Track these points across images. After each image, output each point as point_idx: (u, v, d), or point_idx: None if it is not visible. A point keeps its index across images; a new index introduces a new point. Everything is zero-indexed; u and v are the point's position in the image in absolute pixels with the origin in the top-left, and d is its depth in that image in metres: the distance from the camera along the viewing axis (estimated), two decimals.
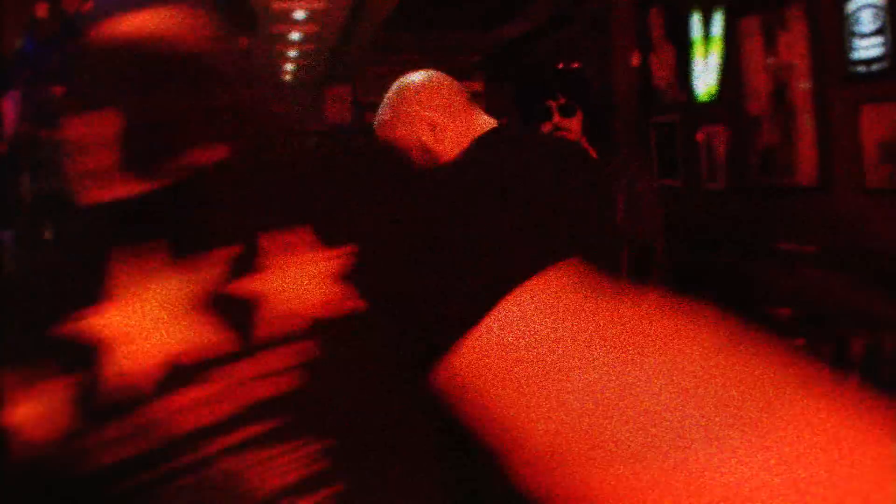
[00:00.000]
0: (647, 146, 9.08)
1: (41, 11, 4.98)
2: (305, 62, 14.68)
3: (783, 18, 7.13)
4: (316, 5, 10.01)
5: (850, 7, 6.30)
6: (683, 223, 6.95)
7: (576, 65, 9.13)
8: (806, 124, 6.98)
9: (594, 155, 3.96)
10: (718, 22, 8.09)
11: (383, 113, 2.76)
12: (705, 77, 8.30)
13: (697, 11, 8.36)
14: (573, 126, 3.87)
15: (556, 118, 3.87)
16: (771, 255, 6.86)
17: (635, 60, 9.50)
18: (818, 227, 6.86)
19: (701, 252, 7.56)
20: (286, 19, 10.81)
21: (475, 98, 2.77)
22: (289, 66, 15.20)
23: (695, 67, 8.44)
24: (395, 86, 2.79)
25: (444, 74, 2.81)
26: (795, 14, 6.99)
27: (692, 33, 8.45)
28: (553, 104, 3.85)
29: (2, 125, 5.04)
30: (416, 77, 2.75)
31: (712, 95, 8.25)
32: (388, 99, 2.77)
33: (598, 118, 4.04)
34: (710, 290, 3.45)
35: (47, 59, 5.18)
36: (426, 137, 2.55)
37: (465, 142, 2.55)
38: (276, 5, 9.89)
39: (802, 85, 6.99)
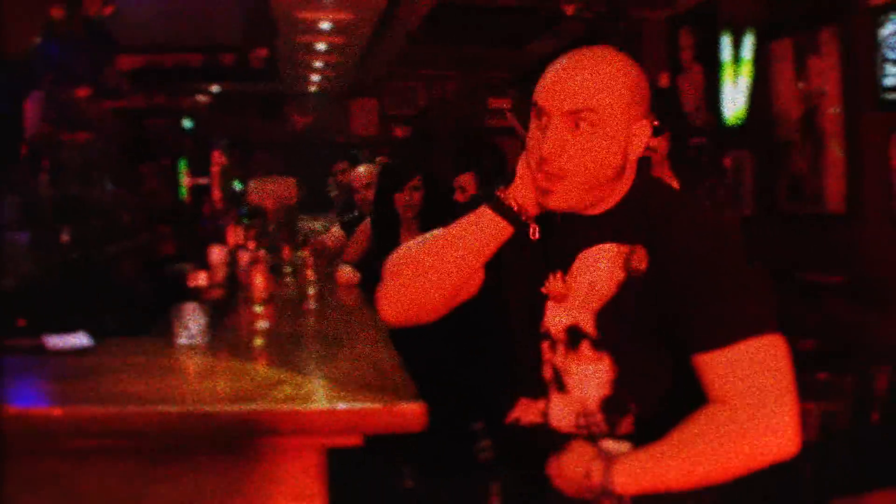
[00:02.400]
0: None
1: (57, 13, 4.88)
2: (331, 73, 14.62)
3: (815, 42, 6.99)
4: (342, 17, 9.94)
5: (883, 33, 6.15)
6: None
7: (665, 83, 9.08)
8: (835, 151, 6.85)
9: (676, 179, 3.78)
10: (749, 44, 7.95)
11: None
12: (734, 100, 8.16)
13: (728, 33, 8.22)
14: (661, 146, 3.68)
15: None
16: (796, 284, 6.71)
17: (664, 81, 9.38)
18: (845, 256, 6.71)
19: None
20: (312, 30, 10.74)
21: (502, 114, 2.68)
22: (314, 77, 15.13)
23: (724, 90, 8.29)
24: None
25: None
26: (827, 38, 6.85)
27: (722, 55, 8.31)
28: None
29: (23, 125, 4.92)
30: None
31: (741, 119, 8.10)
32: None
33: (683, 141, 3.80)
34: None
35: (73, 61, 5.05)
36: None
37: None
38: (301, 15, 9.81)
39: (833, 111, 6.86)
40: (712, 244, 2.20)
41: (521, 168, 2.25)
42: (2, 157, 5.82)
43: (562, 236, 2.30)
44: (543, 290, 2.30)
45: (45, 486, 2.76)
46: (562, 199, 2.18)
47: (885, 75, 6.20)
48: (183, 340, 3.70)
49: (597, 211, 2.27)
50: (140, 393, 2.93)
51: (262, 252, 5.62)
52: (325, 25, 10.57)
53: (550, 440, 2.24)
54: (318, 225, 9.95)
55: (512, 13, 9.59)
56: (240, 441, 2.75)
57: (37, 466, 2.75)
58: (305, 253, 6.00)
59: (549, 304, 2.29)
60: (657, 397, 2.23)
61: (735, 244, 2.25)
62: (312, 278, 5.52)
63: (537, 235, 2.30)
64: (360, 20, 10.23)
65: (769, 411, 1.97)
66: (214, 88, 15.19)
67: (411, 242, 2.42)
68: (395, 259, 2.40)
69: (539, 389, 2.31)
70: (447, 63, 13.68)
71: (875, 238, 6.44)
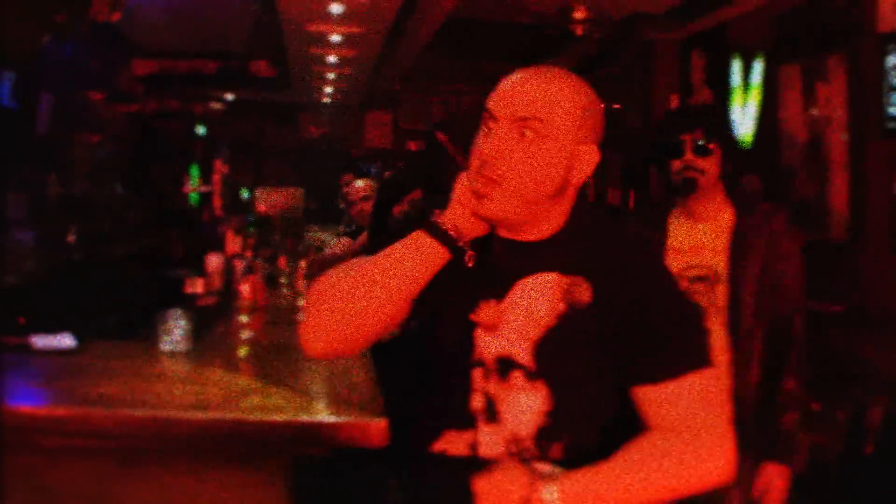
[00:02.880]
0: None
1: (61, 18, 4.88)
2: (344, 85, 14.64)
3: (823, 68, 6.99)
4: (351, 30, 9.95)
5: (890, 60, 6.14)
6: None
7: (707, 98, 9.06)
8: (840, 179, 6.83)
9: (736, 203, 3.57)
10: (758, 69, 7.95)
11: None
12: (742, 124, 8.16)
13: (738, 57, 8.23)
14: (709, 168, 3.32)
15: (689, 156, 3.34)
16: None
17: (674, 103, 9.38)
18: (847, 285, 6.69)
19: None
20: (322, 42, 10.75)
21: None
22: (327, 89, 15.15)
23: (732, 114, 8.29)
24: None
25: None
26: (835, 65, 6.85)
27: (732, 79, 8.31)
28: (688, 138, 3.35)
29: (33, 125, 4.92)
30: None
31: (748, 144, 8.10)
32: None
33: (739, 163, 3.57)
34: None
35: (86, 64, 5.06)
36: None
37: None
38: (310, 28, 9.82)
39: (839, 138, 6.85)
40: (656, 279, 2.24)
41: (458, 190, 2.18)
42: (11, 155, 5.84)
43: (497, 263, 2.22)
44: (474, 317, 2.20)
45: (17, 481, 2.76)
46: (497, 207, 2.11)
47: (891, 104, 6.18)
48: (165, 346, 3.70)
49: (535, 237, 2.22)
50: (112, 395, 2.94)
51: (258, 261, 5.63)
52: (335, 38, 10.58)
53: (478, 470, 2.11)
54: (325, 236, 9.94)
55: (523, 31, 9.61)
56: (204, 448, 2.75)
57: (10, 462, 2.75)
58: (302, 263, 5.99)
59: (479, 332, 2.20)
60: (590, 426, 2.21)
61: (672, 279, 2.32)
62: (304, 290, 5.50)
63: (472, 263, 2.20)
64: (370, 33, 10.24)
65: (708, 440, 2.08)
66: (228, 95, 15.23)
67: (337, 269, 2.26)
68: (320, 288, 2.24)
69: (467, 420, 2.21)
70: (461, 77, 13.70)
71: (877, 267, 6.42)
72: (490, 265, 2.22)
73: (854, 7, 6.64)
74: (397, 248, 2.19)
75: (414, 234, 2.18)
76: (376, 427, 2.58)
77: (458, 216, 2.16)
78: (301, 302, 5.02)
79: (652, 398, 2.11)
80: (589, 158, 2.16)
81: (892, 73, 6.16)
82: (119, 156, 8.84)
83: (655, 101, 9.58)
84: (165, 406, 2.86)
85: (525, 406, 2.16)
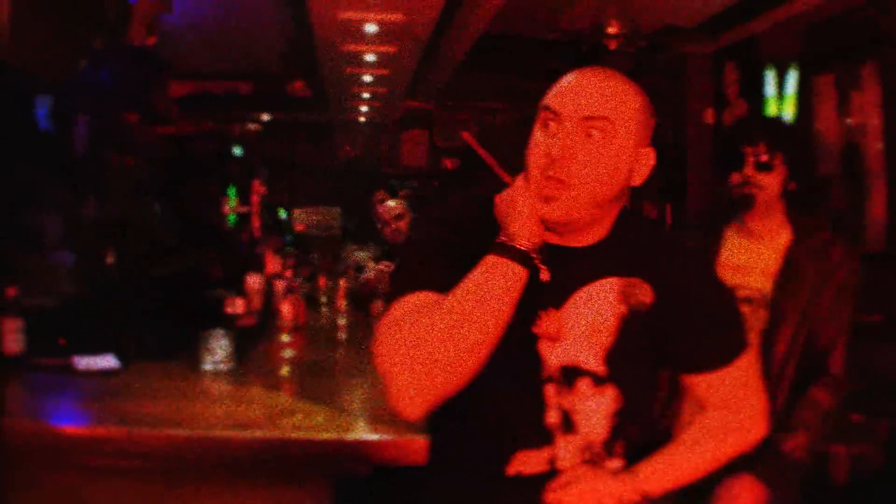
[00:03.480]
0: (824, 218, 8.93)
1: (98, 43, 4.94)
2: (379, 105, 14.67)
3: (857, 77, 6.97)
4: (386, 49, 9.97)
5: None
6: None
7: (710, 118, 9.01)
8: (876, 188, 6.80)
9: (796, 225, 3.38)
10: (792, 79, 7.93)
11: None
12: None
13: (772, 68, 8.21)
14: (770, 185, 3.17)
15: (750, 170, 3.18)
16: None
17: (709, 117, 9.36)
18: (885, 295, 6.65)
19: None
20: (357, 62, 10.78)
21: None
22: (363, 108, 15.19)
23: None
24: None
25: None
26: (869, 73, 6.82)
27: (767, 90, 8.29)
28: (750, 151, 3.19)
29: (72, 147, 4.98)
30: None
31: None
32: None
33: (805, 185, 3.34)
34: None
35: (122, 87, 5.12)
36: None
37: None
38: (344, 48, 9.85)
39: (875, 146, 6.82)
40: (707, 275, 2.36)
41: (518, 200, 2.07)
42: (49, 177, 5.90)
43: (554, 270, 2.15)
44: (535, 329, 2.14)
45: (61, 500, 2.80)
46: (565, 209, 2.05)
47: None
48: (208, 366, 3.75)
49: (587, 242, 2.19)
50: (156, 415, 2.97)
51: (297, 281, 5.66)
52: (369, 58, 10.60)
53: (545, 487, 2.18)
54: (363, 255, 9.96)
55: (556, 46, 9.60)
56: (247, 467, 2.77)
57: (54, 480, 2.80)
58: (341, 282, 6.01)
59: (543, 344, 2.15)
60: (648, 418, 2.38)
61: (715, 271, 2.51)
62: (344, 309, 5.53)
63: (548, 276, 2.13)
64: (405, 52, 10.26)
65: (750, 412, 2.34)
66: (264, 116, 15.29)
67: (415, 317, 2.02)
68: (404, 342, 2.00)
69: (544, 437, 2.17)
70: (496, 94, 13.70)
71: None
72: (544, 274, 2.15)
73: (885, 15, 6.62)
74: (477, 281, 2.02)
75: (488, 259, 2.03)
76: (418, 444, 2.59)
77: (530, 228, 2.05)
78: (342, 321, 5.05)
79: (705, 383, 2.29)
80: (647, 161, 2.15)
81: None
82: (156, 177, 8.89)
83: (690, 113, 9.55)
84: (208, 426, 2.89)
85: (596, 411, 2.19)
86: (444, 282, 2.04)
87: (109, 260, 6.40)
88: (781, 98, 8.10)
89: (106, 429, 2.86)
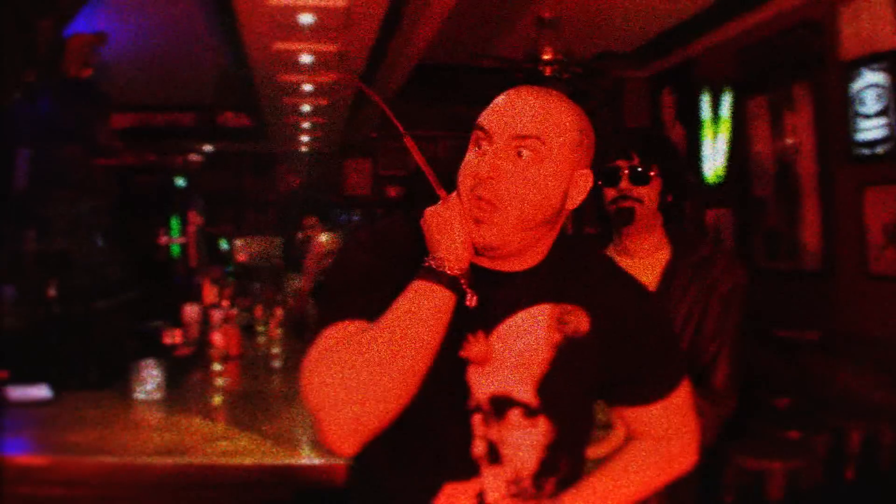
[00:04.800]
0: (702, 233, 9.01)
1: (30, 76, 4.91)
2: (320, 134, 14.67)
3: (789, 98, 7.07)
4: (323, 79, 9.99)
5: (854, 87, 6.22)
6: None
7: (679, 134, 9.05)
8: (811, 207, 6.88)
9: (674, 242, 3.28)
10: (727, 102, 8.03)
11: None
12: (714, 158, 8.24)
13: (707, 92, 8.31)
14: (647, 197, 3.08)
15: (624, 184, 3.09)
16: (773, 342, 6.71)
17: None
18: (821, 312, 6.74)
19: None
20: (295, 92, 10.80)
21: None
22: (304, 138, 15.18)
23: (704, 148, 8.37)
24: None
25: None
26: (801, 94, 6.92)
27: (702, 114, 8.39)
28: (624, 165, 3.10)
29: (12, 180, 4.94)
30: None
31: (721, 177, 8.16)
32: None
33: (682, 195, 3.22)
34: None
35: (62, 119, 5.08)
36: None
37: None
38: (282, 78, 9.87)
39: (808, 166, 6.91)
40: (647, 304, 2.19)
41: (443, 224, 1.98)
42: None
43: (485, 294, 2.02)
44: (463, 353, 2.01)
45: None
46: (495, 232, 1.95)
47: (857, 129, 6.25)
48: (140, 395, 3.75)
49: (522, 267, 2.07)
50: (85, 444, 2.96)
51: (234, 311, 5.65)
52: (307, 87, 10.63)
53: None
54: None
55: (493, 74, 9.65)
56: (174, 493, 2.77)
57: None
58: (278, 311, 6.01)
59: (471, 371, 2.02)
60: (581, 451, 2.19)
61: (656, 300, 2.41)
62: (279, 337, 5.51)
63: (475, 302, 2.00)
64: (342, 82, 10.30)
65: (683, 442, 2.26)
66: (206, 147, 15.27)
67: (342, 350, 1.91)
68: (330, 376, 1.89)
69: (469, 469, 2.04)
70: (436, 123, 13.74)
71: (851, 294, 6.46)
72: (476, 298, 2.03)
73: (817, 37, 6.72)
74: (405, 307, 1.92)
75: (415, 284, 1.94)
76: (339, 469, 2.61)
77: (459, 252, 1.97)
78: (276, 349, 5.03)
79: (640, 415, 2.20)
80: (585, 183, 2.06)
81: (857, 99, 6.23)
82: (98, 210, 8.85)
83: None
84: (137, 453, 2.89)
85: (526, 443, 2.06)
86: (372, 309, 1.93)
87: (51, 293, 6.37)
88: (717, 121, 8.19)
89: (35, 457, 2.86)
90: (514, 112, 1.98)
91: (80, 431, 3.16)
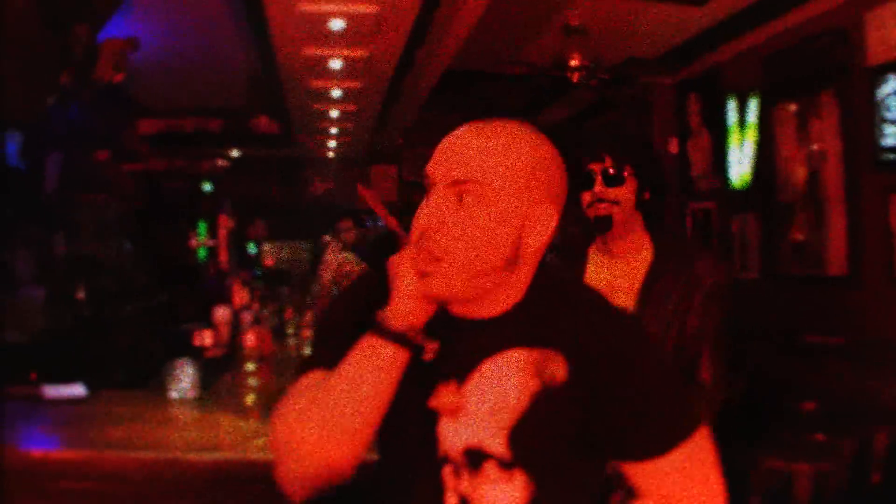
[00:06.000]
0: (683, 232, 9.04)
1: (65, 79, 5.02)
2: (347, 140, 14.72)
3: (816, 105, 7.07)
4: (352, 85, 10.04)
5: (881, 93, 6.23)
6: None
7: (674, 149, 9.03)
8: (837, 213, 6.89)
9: (657, 241, 3.18)
10: (753, 108, 8.03)
11: None
12: (740, 164, 8.24)
13: (733, 98, 8.31)
14: (623, 198, 3.06)
15: (598, 187, 3.07)
16: (799, 347, 6.72)
17: (673, 147, 9.46)
18: (846, 318, 6.74)
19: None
20: (323, 98, 10.84)
21: None
22: (331, 144, 15.25)
23: (730, 154, 8.38)
24: None
25: None
26: (828, 100, 6.93)
27: (728, 120, 8.39)
28: (597, 168, 3.06)
29: (42, 185, 5.06)
30: None
31: (746, 183, 8.17)
32: None
33: (659, 191, 3.21)
34: (736, 385, 3.20)
35: (92, 124, 5.19)
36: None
37: None
38: (311, 83, 9.92)
39: (834, 173, 6.91)
40: (637, 347, 1.96)
41: (399, 274, 1.92)
42: (19, 214, 5.94)
43: (454, 345, 1.94)
44: (433, 403, 1.93)
45: None
46: (442, 285, 1.86)
47: (884, 135, 6.25)
48: (174, 394, 3.80)
49: (494, 312, 1.96)
50: (122, 439, 3.01)
51: (264, 313, 5.71)
52: (335, 93, 10.67)
53: None
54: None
55: (520, 82, 9.67)
56: (213, 489, 2.81)
57: None
58: (308, 315, 6.07)
59: (443, 423, 1.93)
60: None
61: (653, 343, 2.15)
62: (308, 339, 5.57)
63: (432, 356, 1.91)
64: (370, 88, 10.34)
65: (702, 502, 1.97)
66: (234, 153, 15.34)
67: (294, 404, 1.93)
68: (283, 431, 1.90)
69: None
70: None
71: (876, 300, 6.46)
72: (445, 346, 1.94)
73: (843, 43, 6.73)
74: (351, 363, 1.89)
75: (364, 342, 1.89)
76: (372, 465, 2.65)
77: (405, 306, 1.89)
78: (308, 350, 5.09)
79: (642, 472, 1.94)
80: (545, 221, 1.92)
81: (883, 105, 6.24)
82: (126, 214, 8.92)
83: (655, 145, 9.63)
84: (173, 449, 2.94)
85: (501, 499, 1.92)
86: (336, 361, 1.90)
87: (80, 296, 6.44)
88: (743, 127, 8.20)
89: (72, 452, 2.91)
90: (452, 156, 1.88)
91: (115, 428, 3.21)
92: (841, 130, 6.84)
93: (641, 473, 1.93)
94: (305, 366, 2.02)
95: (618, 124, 9.34)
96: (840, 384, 6.23)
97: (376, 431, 1.91)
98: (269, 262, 13.13)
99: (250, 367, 4.64)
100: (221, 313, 5.53)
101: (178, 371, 3.84)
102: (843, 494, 5.32)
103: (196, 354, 4.46)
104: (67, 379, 3.88)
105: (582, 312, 1.96)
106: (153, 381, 4.03)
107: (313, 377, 1.95)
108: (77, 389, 3.81)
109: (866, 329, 6.49)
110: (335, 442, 1.84)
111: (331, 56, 8.78)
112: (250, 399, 4.11)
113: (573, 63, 8.16)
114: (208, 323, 5.45)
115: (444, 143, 1.91)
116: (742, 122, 8.22)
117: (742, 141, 8.22)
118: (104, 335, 5.65)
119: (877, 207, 6.38)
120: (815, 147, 7.18)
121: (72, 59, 6.47)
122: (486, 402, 1.90)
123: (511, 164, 1.87)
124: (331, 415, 1.85)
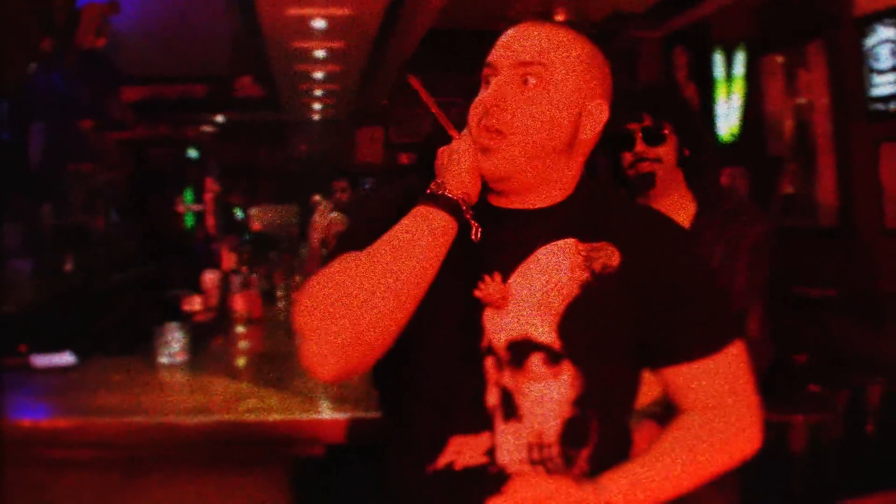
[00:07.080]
0: (724, 188, 9.02)
1: (47, 45, 4.96)
2: (332, 101, 14.67)
3: (804, 56, 7.03)
4: (336, 45, 10.00)
5: (868, 43, 6.19)
6: None
7: (692, 93, 8.98)
8: (826, 164, 6.87)
9: (699, 196, 3.11)
10: (741, 61, 8.00)
11: None
12: (728, 117, 8.21)
13: (721, 50, 8.27)
14: (665, 156, 3.02)
15: (640, 146, 3.02)
16: (790, 299, 6.70)
17: None
18: (838, 270, 6.72)
19: None
20: (307, 59, 10.81)
21: None
22: (316, 106, 15.20)
23: (718, 107, 8.34)
24: None
25: None
26: (815, 51, 6.89)
27: (716, 73, 8.35)
28: (636, 128, 3.02)
29: (28, 155, 5.01)
30: None
31: (735, 135, 8.15)
32: None
33: (698, 148, 3.13)
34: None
35: (76, 93, 5.14)
36: None
37: None
38: (294, 44, 9.88)
39: (823, 124, 6.88)
40: (687, 250, 2.01)
41: (456, 152, 1.92)
42: (5, 186, 5.90)
43: (502, 233, 1.93)
44: (477, 293, 1.89)
45: (20, 493, 2.81)
46: (503, 160, 1.87)
47: (872, 85, 6.23)
48: (164, 359, 3.77)
49: (545, 203, 1.96)
50: (112, 406, 2.99)
51: (253, 276, 5.67)
52: (319, 54, 10.64)
53: (496, 484, 1.82)
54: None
55: None
56: (204, 451, 2.79)
57: (12, 475, 2.80)
58: (297, 278, 6.04)
59: (487, 313, 1.89)
60: (617, 421, 1.99)
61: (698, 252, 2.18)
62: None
63: (479, 236, 1.89)
64: (353, 48, 10.30)
65: (740, 416, 1.97)
66: (219, 118, 15.28)
67: (335, 271, 1.85)
68: (321, 297, 1.82)
69: (480, 421, 1.88)
70: (448, 90, 13.70)
71: (867, 251, 6.45)
72: (492, 235, 1.92)
73: None
74: (402, 229, 1.85)
75: (417, 209, 1.87)
76: (370, 424, 2.62)
77: (461, 179, 1.89)
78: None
79: (686, 376, 1.94)
80: (598, 114, 1.96)
81: (872, 54, 6.21)
82: (113, 184, 8.89)
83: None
84: (165, 413, 2.91)
85: (547, 396, 1.87)
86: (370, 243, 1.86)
87: (68, 267, 6.41)
88: (730, 80, 8.17)
89: (63, 420, 2.88)
90: (518, 41, 1.93)
91: (106, 394, 3.18)
92: (829, 81, 6.81)
93: (685, 378, 1.94)
94: (338, 249, 1.97)
95: (652, 82, 9.24)
96: (833, 336, 6.24)
97: (417, 322, 1.84)
98: (256, 226, 13.10)
99: (240, 330, 4.62)
100: (210, 277, 5.50)
101: (167, 336, 3.81)
102: (837, 445, 5.33)
103: (185, 320, 4.43)
104: (57, 348, 3.86)
105: (633, 211, 2.07)
106: (142, 346, 4.00)
107: (351, 256, 1.87)
108: (66, 358, 3.78)
109: (858, 279, 6.48)
110: (382, 309, 1.78)
111: (314, 16, 8.72)
112: (241, 362, 4.10)
113: (558, 18, 8.09)
114: (195, 288, 5.42)
115: (507, 34, 1.97)
116: (729, 75, 8.19)
117: (730, 94, 8.20)
118: (93, 305, 5.63)
119: (867, 158, 6.36)
120: (803, 99, 7.15)
121: (52, 24, 6.41)
122: (536, 292, 1.89)
123: (574, 56, 1.93)
124: (379, 280, 1.79)
